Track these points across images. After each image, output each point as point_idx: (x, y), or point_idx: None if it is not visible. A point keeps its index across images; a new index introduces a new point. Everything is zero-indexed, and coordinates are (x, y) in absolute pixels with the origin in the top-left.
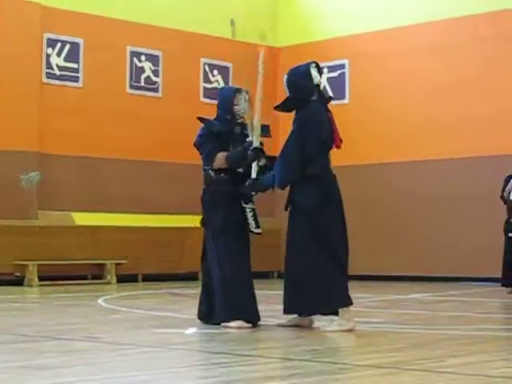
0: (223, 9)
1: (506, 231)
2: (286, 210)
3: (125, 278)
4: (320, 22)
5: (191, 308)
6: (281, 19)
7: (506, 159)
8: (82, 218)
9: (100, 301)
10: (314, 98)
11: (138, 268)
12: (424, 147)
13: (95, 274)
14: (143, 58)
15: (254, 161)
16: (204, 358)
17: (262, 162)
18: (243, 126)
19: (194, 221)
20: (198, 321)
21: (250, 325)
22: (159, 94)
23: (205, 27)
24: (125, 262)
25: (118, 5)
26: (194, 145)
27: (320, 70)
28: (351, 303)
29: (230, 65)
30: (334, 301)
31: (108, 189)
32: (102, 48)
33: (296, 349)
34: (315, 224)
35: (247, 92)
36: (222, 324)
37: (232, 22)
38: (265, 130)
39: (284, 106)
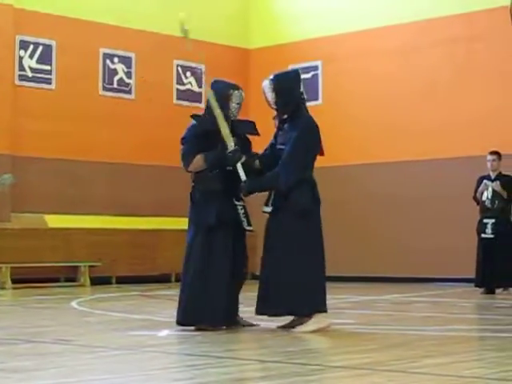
0: (195, 11)
1: (479, 232)
2: (265, 209)
3: (98, 281)
4: (292, 24)
5: (165, 310)
6: (253, 21)
7: (478, 160)
8: (56, 221)
9: (73, 303)
10: (304, 104)
11: (112, 270)
12: (395, 149)
13: (69, 277)
14: (116, 59)
15: (236, 162)
16: (177, 360)
17: (242, 159)
18: (233, 123)
19: (167, 223)
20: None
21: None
22: (132, 96)
23: (177, 29)
24: (98, 264)
25: (90, 7)
26: (181, 142)
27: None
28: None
29: (202, 66)
30: (320, 303)
31: (81, 191)
32: (75, 50)
33: (269, 350)
34: (310, 224)
35: (243, 91)
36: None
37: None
38: (251, 128)
39: (282, 111)
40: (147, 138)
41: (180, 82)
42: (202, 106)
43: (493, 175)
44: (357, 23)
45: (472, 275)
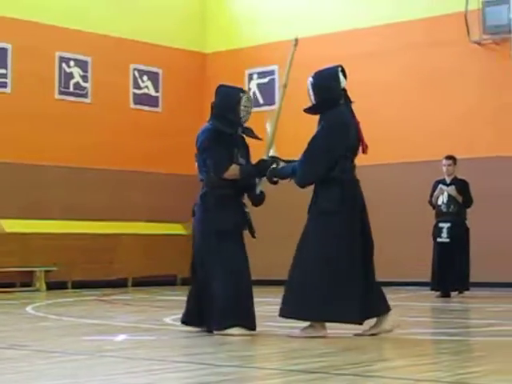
0: (152, 15)
1: (435, 236)
2: (308, 213)
3: (54, 285)
4: (249, 28)
5: (121, 315)
6: (210, 25)
7: (433, 165)
8: (12, 225)
9: (29, 308)
10: (341, 101)
11: (68, 275)
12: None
13: (24, 282)
14: (72, 63)
15: (267, 169)
16: (135, 365)
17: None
18: (244, 128)
19: (124, 227)
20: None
21: (251, 332)
22: (88, 100)
23: (134, 33)
24: (54, 268)
25: (46, 10)
26: (198, 148)
27: (345, 74)
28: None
29: (159, 70)
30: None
31: (37, 195)
32: (31, 53)
33: (226, 355)
34: (330, 226)
35: (250, 95)
36: (221, 331)
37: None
38: (252, 132)
39: (314, 109)
40: (104, 141)
41: (136, 85)
42: (159, 110)
43: (448, 179)
44: (314, 28)
45: (428, 279)
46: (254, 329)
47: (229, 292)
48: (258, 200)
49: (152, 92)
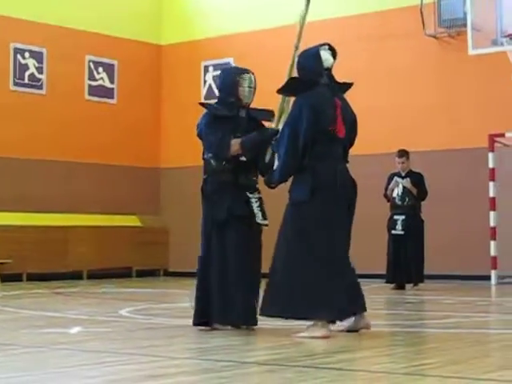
0: (107, 6)
1: (389, 228)
2: None
3: (9, 278)
4: (205, 20)
5: (76, 307)
6: (165, 17)
7: (389, 157)
8: None
9: None
10: (322, 81)
11: (23, 267)
12: None
13: None
14: (27, 54)
15: (271, 138)
16: (89, 357)
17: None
18: (248, 109)
19: (78, 220)
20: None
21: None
22: (43, 92)
23: (89, 24)
24: (9, 261)
25: (1, 1)
26: (198, 135)
27: (334, 54)
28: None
29: (115, 62)
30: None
31: None
32: None
33: (181, 347)
34: (302, 218)
35: (253, 74)
36: (216, 325)
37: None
38: (267, 115)
39: (286, 89)
40: (59, 133)
41: (92, 77)
42: (114, 101)
43: (403, 172)
44: (269, 20)
45: (383, 271)
46: (248, 324)
47: (223, 286)
48: (268, 168)
49: (107, 84)
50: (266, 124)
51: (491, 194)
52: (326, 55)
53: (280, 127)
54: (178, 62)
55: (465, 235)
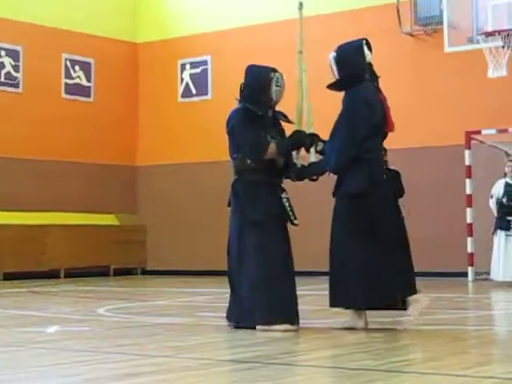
0: (84, 4)
1: None
2: (333, 196)
3: None
4: (181, 18)
5: (53, 306)
6: (141, 15)
7: None
8: None
9: None
10: (366, 76)
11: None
12: None
13: None
14: (3, 53)
15: (311, 146)
16: (66, 356)
17: (320, 146)
18: (275, 111)
19: (56, 218)
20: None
21: (294, 327)
22: (20, 90)
23: (66, 22)
24: None
25: None
26: (229, 132)
27: (370, 48)
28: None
29: (91, 60)
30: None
31: None
32: None
33: (158, 345)
34: (360, 210)
35: (281, 73)
36: (260, 327)
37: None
38: (285, 116)
39: (337, 86)
40: (35, 132)
41: (68, 75)
42: (91, 100)
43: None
44: (246, 19)
45: None
46: (292, 323)
47: (258, 288)
48: (300, 175)
49: (84, 82)
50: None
51: (468, 191)
52: (366, 50)
53: (311, 131)
54: (155, 59)
55: (442, 232)
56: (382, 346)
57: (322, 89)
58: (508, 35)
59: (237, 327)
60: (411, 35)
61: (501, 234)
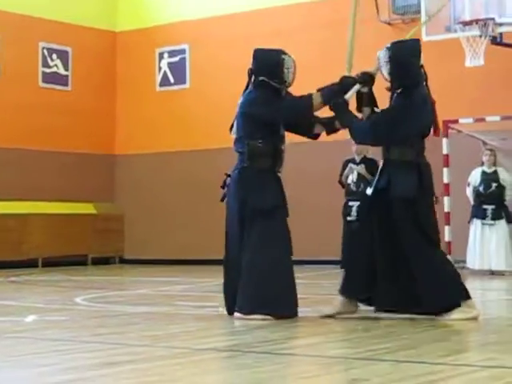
0: None
1: (345, 215)
2: (373, 196)
3: None
4: (159, 7)
5: (31, 296)
6: (119, 3)
7: (343, 144)
8: None
9: None
10: (421, 78)
11: None
12: None
13: None
14: None
15: (361, 84)
16: (44, 345)
17: (365, 89)
18: (287, 92)
19: (34, 207)
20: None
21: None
22: None
23: (43, 11)
24: None
25: None
26: (250, 106)
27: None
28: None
29: (69, 49)
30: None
31: None
32: None
33: (136, 334)
34: (417, 212)
35: (290, 55)
36: (252, 316)
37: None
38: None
39: (399, 84)
40: (12, 120)
41: (46, 64)
42: (69, 89)
43: (358, 159)
44: (224, 7)
45: (338, 257)
46: (291, 315)
47: (258, 277)
48: (332, 129)
49: (61, 71)
50: None
51: (445, 180)
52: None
53: (354, 74)
54: (133, 48)
55: None
56: (360, 334)
57: (310, 76)
58: (485, 24)
59: (230, 313)
60: (389, 24)
61: (477, 222)
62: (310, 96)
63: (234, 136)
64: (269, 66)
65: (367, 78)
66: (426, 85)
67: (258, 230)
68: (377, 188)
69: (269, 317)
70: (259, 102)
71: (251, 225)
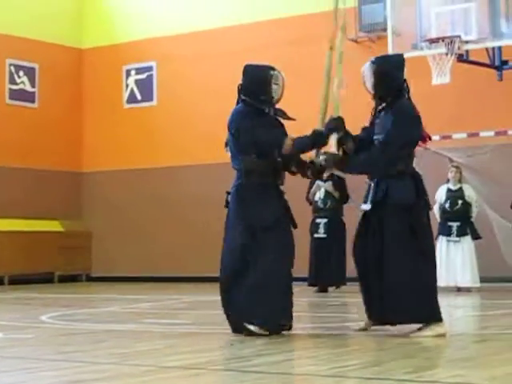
0: (28, 9)
1: (312, 232)
2: (364, 207)
3: None
4: (127, 24)
5: None
6: (86, 20)
7: None
8: None
9: None
10: (405, 91)
11: None
12: (217, 150)
13: None
14: None
15: (335, 130)
16: (10, 363)
17: (350, 145)
18: (276, 109)
19: None
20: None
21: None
22: None
23: (10, 27)
24: None
25: None
26: (236, 130)
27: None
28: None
29: (36, 66)
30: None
31: None
32: None
33: (103, 352)
34: (416, 220)
35: (279, 71)
36: (249, 326)
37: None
38: (281, 113)
39: (383, 97)
40: None
41: (12, 81)
42: (35, 105)
43: (325, 176)
44: (191, 25)
45: (305, 274)
46: (286, 327)
47: (258, 289)
48: (319, 171)
49: (28, 87)
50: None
51: None
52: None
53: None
54: (100, 65)
55: None
56: (326, 351)
57: None
58: (451, 42)
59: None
60: (356, 42)
61: (442, 239)
62: (283, 136)
63: (228, 153)
64: (257, 83)
65: (338, 125)
66: (409, 98)
67: (259, 245)
68: (374, 200)
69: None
70: (242, 130)
71: (252, 240)
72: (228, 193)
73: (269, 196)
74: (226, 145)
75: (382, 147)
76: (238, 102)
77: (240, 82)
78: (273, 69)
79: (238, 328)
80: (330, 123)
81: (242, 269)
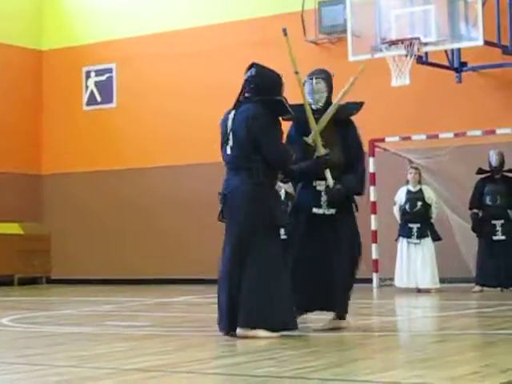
0: None
1: None
2: (328, 212)
3: None
4: (86, 25)
5: None
6: (46, 22)
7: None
8: None
9: None
10: None
11: None
12: (187, 152)
13: None
14: None
15: (325, 167)
16: None
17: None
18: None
19: None
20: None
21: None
22: None
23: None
24: None
25: None
26: (258, 132)
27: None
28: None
29: None
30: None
31: None
32: None
33: (63, 355)
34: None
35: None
36: (252, 332)
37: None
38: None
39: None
40: None
41: None
42: None
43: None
44: (150, 27)
45: None
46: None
47: (264, 293)
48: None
49: None
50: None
51: (372, 198)
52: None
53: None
54: (59, 67)
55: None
56: (287, 352)
57: (232, 96)
58: (411, 44)
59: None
60: (316, 44)
61: (403, 240)
62: (291, 155)
63: (229, 152)
64: (274, 86)
65: (327, 160)
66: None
67: (262, 245)
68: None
69: (274, 334)
70: (269, 132)
71: (257, 239)
72: (223, 194)
73: (276, 196)
74: (223, 145)
75: (360, 167)
76: (238, 101)
77: (243, 81)
78: (281, 77)
79: (233, 329)
80: (323, 162)
81: (240, 269)
